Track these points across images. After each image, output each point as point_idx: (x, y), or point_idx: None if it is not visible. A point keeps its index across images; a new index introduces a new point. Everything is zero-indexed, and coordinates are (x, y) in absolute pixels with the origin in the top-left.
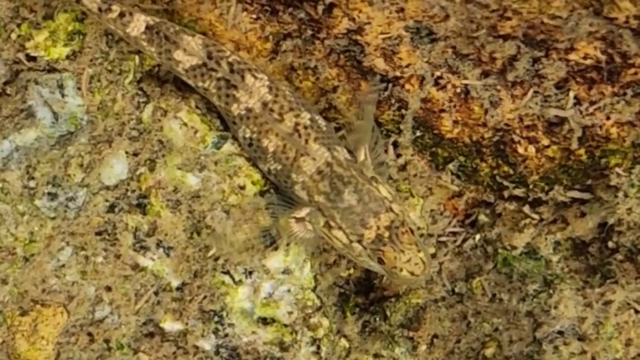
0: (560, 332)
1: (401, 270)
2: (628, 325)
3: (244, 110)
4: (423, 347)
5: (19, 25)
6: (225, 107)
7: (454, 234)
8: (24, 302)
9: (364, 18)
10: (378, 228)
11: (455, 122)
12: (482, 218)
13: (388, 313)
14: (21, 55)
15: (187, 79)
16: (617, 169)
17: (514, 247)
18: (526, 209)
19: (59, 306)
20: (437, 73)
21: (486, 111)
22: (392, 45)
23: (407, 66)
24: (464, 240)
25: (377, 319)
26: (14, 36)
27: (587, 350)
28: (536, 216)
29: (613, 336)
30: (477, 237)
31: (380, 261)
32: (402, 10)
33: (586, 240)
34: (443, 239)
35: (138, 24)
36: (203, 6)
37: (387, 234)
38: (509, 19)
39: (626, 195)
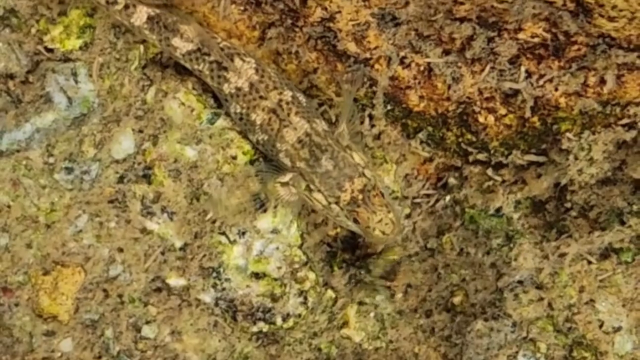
0: (520, 282)
1: (374, 229)
2: (581, 275)
3: (233, 89)
4: (399, 295)
5: (37, 21)
6: (217, 86)
7: (427, 195)
8: (46, 263)
9: (334, 7)
10: (352, 191)
11: (421, 97)
12: (452, 181)
13: (371, 267)
14: (40, 47)
15: (184, 62)
16: (568, 134)
17: (479, 207)
18: (489, 171)
19: (77, 266)
20: (402, 53)
21: (449, 87)
22: (361, 30)
23: (375, 48)
24: (436, 201)
25: (362, 272)
26: (33, 31)
27: (544, 297)
28: (499, 178)
29: (568, 284)
30: (448, 198)
31: (356, 221)
32: None
33: (543, 199)
34: (417, 200)
35: (140, 14)
36: (197, 0)
37: (360, 197)
38: (462, 3)
39: (576, 158)
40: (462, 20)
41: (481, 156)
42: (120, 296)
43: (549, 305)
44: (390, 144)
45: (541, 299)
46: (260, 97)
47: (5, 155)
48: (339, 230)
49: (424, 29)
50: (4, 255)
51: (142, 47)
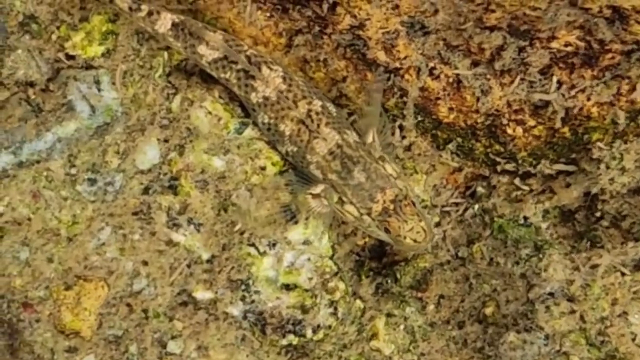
0: (551, 294)
1: (405, 238)
2: (614, 287)
3: (261, 99)
4: (431, 307)
5: (58, 28)
6: (245, 95)
7: (456, 204)
8: (68, 277)
9: (364, 15)
10: (384, 202)
11: (451, 109)
12: (480, 190)
13: (398, 276)
14: (61, 55)
15: (210, 71)
16: (599, 144)
17: (507, 216)
18: (517, 181)
19: (100, 280)
20: (431, 64)
21: (478, 99)
22: (390, 39)
23: (405, 58)
24: (465, 210)
25: (389, 281)
26: (54, 37)
27: (576, 309)
28: (526, 187)
29: (600, 297)
30: (476, 206)
31: (387, 231)
32: (397, 7)
33: (572, 209)
34: (447, 209)
35: (165, 21)
36: (222, 5)
37: (392, 207)
38: (493, 11)
39: (608, 167)
40: (492, 29)
41: (509, 166)
42: (144, 311)
43: (581, 318)
44: (421, 155)
45: (573, 311)
46: (289, 107)
47: (25, 166)
48: (367, 239)
49: (452, 38)
50: (24, 269)
51: (166, 54)
